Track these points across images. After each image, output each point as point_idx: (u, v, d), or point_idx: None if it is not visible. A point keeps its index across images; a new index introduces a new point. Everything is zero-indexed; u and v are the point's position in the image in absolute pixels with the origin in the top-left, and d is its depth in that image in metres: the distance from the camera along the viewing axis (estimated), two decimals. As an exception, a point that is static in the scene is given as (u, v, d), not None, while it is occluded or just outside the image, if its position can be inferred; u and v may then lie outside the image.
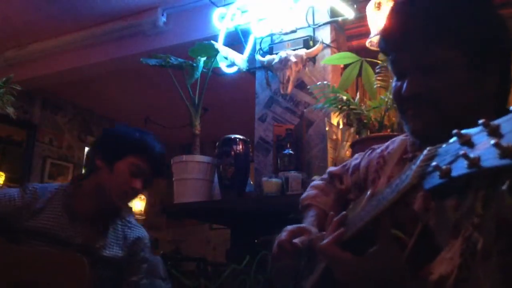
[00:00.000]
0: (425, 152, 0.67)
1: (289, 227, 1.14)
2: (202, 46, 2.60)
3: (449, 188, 0.58)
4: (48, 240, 1.63)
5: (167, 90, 3.09)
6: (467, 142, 0.56)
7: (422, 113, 0.93)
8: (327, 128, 2.38)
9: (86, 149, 6.02)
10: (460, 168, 0.55)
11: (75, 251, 1.61)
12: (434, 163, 0.61)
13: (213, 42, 2.62)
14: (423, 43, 0.91)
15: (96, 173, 1.74)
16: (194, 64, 2.63)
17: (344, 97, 2.18)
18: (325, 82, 2.37)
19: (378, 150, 1.16)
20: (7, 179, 4.88)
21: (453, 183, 0.57)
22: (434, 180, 0.60)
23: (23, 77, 3.92)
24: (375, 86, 2.20)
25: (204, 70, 2.65)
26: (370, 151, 1.22)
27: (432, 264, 0.82)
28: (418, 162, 0.67)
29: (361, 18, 2.59)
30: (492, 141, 0.51)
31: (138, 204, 5.64)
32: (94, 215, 1.73)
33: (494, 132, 0.52)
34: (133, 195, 1.76)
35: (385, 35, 0.98)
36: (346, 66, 2.31)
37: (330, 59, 2.53)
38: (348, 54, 2.31)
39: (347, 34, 2.88)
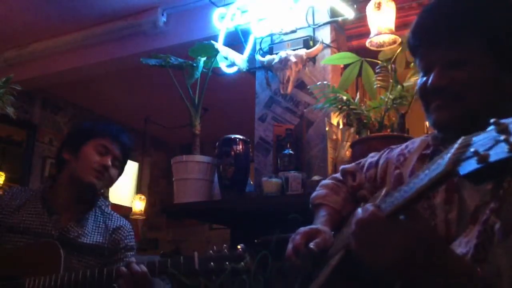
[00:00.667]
0: (459, 141, 0.68)
1: (303, 229, 1.14)
2: (202, 46, 2.60)
3: (486, 173, 0.60)
4: (28, 235, 1.68)
5: (167, 90, 3.09)
6: (505, 130, 0.57)
7: (447, 105, 0.96)
8: (327, 128, 2.38)
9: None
10: (499, 152, 0.57)
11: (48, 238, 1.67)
12: (472, 149, 0.62)
13: (213, 42, 2.63)
14: (452, 38, 0.94)
15: (67, 166, 1.80)
16: (194, 64, 2.63)
17: (344, 97, 2.18)
18: (325, 82, 2.37)
19: (397, 150, 1.18)
20: (7, 179, 4.88)
21: (490, 168, 0.59)
22: (471, 166, 0.61)
23: (23, 77, 3.92)
24: (375, 86, 2.21)
25: (204, 70, 2.65)
26: (388, 150, 1.24)
27: (450, 247, 0.83)
28: (452, 150, 0.68)
29: (361, 18, 2.59)
30: None
31: (138, 204, 5.63)
32: (71, 204, 1.78)
33: None
34: (105, 174, 1.78)
35: (416, 30, 1.01)
36: (346, 66, 2.31)
37: (330, 59, 2.53)
38: (348, 54, 2.31)
39: (347, 34, 2.88)
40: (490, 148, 0.59)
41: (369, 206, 0.81)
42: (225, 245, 1.50)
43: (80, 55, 4.07)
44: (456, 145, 0.68)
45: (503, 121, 0.59)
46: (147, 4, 3.61)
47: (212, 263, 1.47)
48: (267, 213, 2.28)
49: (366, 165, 1.26)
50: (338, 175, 1.39)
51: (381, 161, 1.21)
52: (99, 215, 1.83)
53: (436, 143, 1.03)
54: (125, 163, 1.90)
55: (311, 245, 1.06)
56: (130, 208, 5.72)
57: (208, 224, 6.34)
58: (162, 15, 3.61)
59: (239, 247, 1.47)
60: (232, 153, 2.42)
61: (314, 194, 1.35)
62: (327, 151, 2.34)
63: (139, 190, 6.34)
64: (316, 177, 2.22)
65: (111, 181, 1.85)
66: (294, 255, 1.10)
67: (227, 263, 1.46)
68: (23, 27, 3.97)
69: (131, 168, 6.81)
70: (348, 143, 2.27)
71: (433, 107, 0.98)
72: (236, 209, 2.45)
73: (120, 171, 1.88)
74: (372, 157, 1.27)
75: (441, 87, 0.95)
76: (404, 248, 0.75)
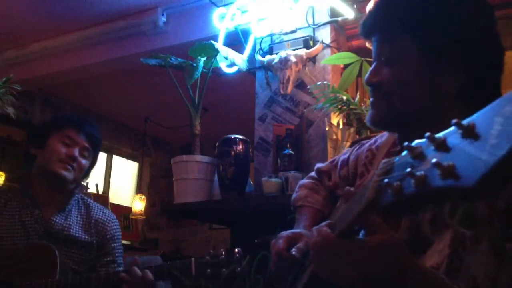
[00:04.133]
0: (381, 165, 0.64)
1: (284, 233, 1.12)
2: (202, 46, 2.60)
3: (402, 206, 0.56)
4: (15, 236, 1.68)
5: (167, 90, 3.09)
6: (418, 155, 0.53)
7: (377, 104, 0.96)
8: (327, 128, 2.38)
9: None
10: (409, 186, 0.53)
11: (42, 241, 1.67)
12: (386, 180, 0.58)
13: (213, 42, 2.62)
14: (384, 36, 0.94)
15: (35, 161, 1.82)
16: (194, 64, 2.62)
17: (344, 97, 2.18)
18: (325, 82, 2.37)
19: (366, 145, 1.17)
20: (7, 179, 4.88)
21: (405, 201, 0.55)
22: (387, 197, 0.57)
23: (23, 77, 3.92)
24: (375, 86, 2.20)
25: (204, 70, 2.65)
26: (358, 145, 1.22)
27: (423, 257, 0.82)
28: (374, 176, 0.65)
29: (361, 18, 2.59)
30: (434, 160, 0.49)
31: (138, 204, 5.63)
32: (49, 197, 1.79)
33: (440, 146, 0.50)
34: (73, 164, 1.78)
35: (360, 26, 1.02)
36: (346, 66, 2.31)
37: (330, 59, 2.53)
38: (348, 54, 2.31)
39: (347, 34, 2.88)
40: (403, 178, 0.54)
41: (323, 227, 0.79)
42: (222, 249, 1.49)
43: (80, 55, 4.07)
44: (378, 170, 0.64)
45: (416, 144, 0.54)
46: (147, 4, 3.61)
47: (209, 270, 1.44)
48: (267, 213, 2.27)
49: (339, 164, 1.25)
50: (315, 173, 1.37)
51: (351, 158, 1.20)
52: (82, 205, 1.85)
53: (401, 142, 1.00)
54: (96, 153, 1.90)
55: (293, 251, 1.04)
56: (130, 208, 5.72)
57: (208, 224, 6.34)
58: (162, 15, 3.61)
59: (236, 250, 1.46)
60: (232, 153, 2.42)
61: (294, 196, 1.33)
62: (327, 151, 2.34)
63: (139, 190, 6.34)
64: (316, 177, 2.22)
65: (81, 171, 1.83)
66: (277, 260, 1.08)
67: (223, 269, 1.44)
68: (23, 27, 3.97)
69: (131, 168, 6.82)
70: (348, 143, 2.27)
71: (369, 103, 0.99)
72: (236, 209, 2.45)
73: (92, 161, 1.89)
74: (344, 154, 1.26)
75: (371, 84, 0.96)
76: (357, 266, 0.71)
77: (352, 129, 2.26)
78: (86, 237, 1.78)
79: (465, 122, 0.48)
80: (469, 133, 0.47)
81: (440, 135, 0.51)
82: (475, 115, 0.48)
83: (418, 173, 0.51)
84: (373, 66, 0.97)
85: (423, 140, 0.53)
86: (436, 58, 0.89)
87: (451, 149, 0.49)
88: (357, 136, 2.21)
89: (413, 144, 0.54)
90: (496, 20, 0.92)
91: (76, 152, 1.79)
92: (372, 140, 1.16)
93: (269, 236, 1.59)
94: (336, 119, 2.46)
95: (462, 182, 0.45)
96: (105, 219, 1.86)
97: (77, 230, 1.78)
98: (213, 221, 4.79)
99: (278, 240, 1.11)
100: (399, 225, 0.88)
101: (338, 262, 0.74)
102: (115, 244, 1.83)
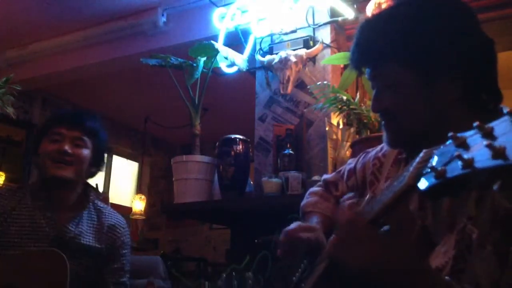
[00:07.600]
0: (421, 154, 0.68)
1: (299, 222, 1.15)
2: (202, 46, 2.60)
3: (444, 189, 0.60)
4: (24, 237, 1.62)
5: (167, 90, 3.09)
6: (462, 144, 0.56)
7: (388, 127, 0.99)
8: (327, 128, 2.38)
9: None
10: (455, 169, 0.56)
11: (52, 247, 1.60)
12: (430, 165, 0.62)
13: (213, 42, 2.62)
14: (376, 65, 0.97)
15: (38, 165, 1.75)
16: (194, 64, 2.63)
17: (344, 97, 2.18)
18: (325, 82, 2.37)
19: (373, 153, 1.19)
20: (7, 179, 4.89)
21: (448, 184, 0.58)
22: (430, 180, 0.61)
23: (23, 77, 3.93)
24: (375, 86, 2.20)
25: (204, 70, 2.65)
26: (363, 154, 1.24)
27: (428, 258, 0.83)
28: (414, 164, 0.69)
29: (361, 18, 2.59)
30: (485, 142, 0.52)
31: (138, 204, 5.63)
32: (60, 199, 1.72)
33: (488, 134, 0.53)
34: (67, 159, 1.66)
35: (350, 59, 1.05)
36: (346, 66, 2.31)
37: (330, 59, 2.53)
38: (348, 54, 2.30)
39: (347, 34, 2.88)
40: (447, 163, 0.58)
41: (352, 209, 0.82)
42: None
43: (80, 55, 4.07)
44: (417, 159, 0.69)
45: (460, 134, 0.58)
46: (147, 4, 3.61)
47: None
48: (267, 213, 2.28)
49: (346, 174, 1.27)
50: (322, 184, 1.39)
51: (358, 167, 1.22)
52: (93, 211, 1.78)
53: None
54: (96, 142, 1.76)
55: (303, 235, 1.08)
56: (130, 208, 5.72)
57: (208, 224, 6.34)
58: (162, 15, 3.61)
59: None
60: (232, 153, 2.43)
61: (304, 202, 1.34)
62: (327, 151, 2.34)
63: (139, 190, 6.34)
64: (316, 177, 2.22)
65: (81, 162, 1.70)
66: (285, 241, 1.11)
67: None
68: (23, 27, 3.97)
69: (131, 168, 6.82)
70: (348, 143, 2.27)
71: (382, 125, 1.02)
72: (236, 209, 2.45)
73: (93, 150, 1.74)
74: (349, 164, 1.28)
75: (376, 111, 1.00)
76: (376, 257, 0.74)
77: (352, 129, 2.26)
78: (97, 245, 1.72)
79: None
80: None
81: (489, 124, 0.54)
82: None
83: (466, 156, 0.54)
84: (374, 94, 1.01)
85: (469, 131, 0.57)
86: (429, 74, 0.91)
87: (497, 137, 0.52)
88: (357, 136, 2.21)
89: (458, 134, 0.58)
90: (476, 15, 0.95)
91: (66, 145, 1.66)
92: (378, 148, 1.18)
93: (269, 236, 1.59)
94: (336, 119, 2.46)
95: (511, 162, 0.49)
96: (117, 225, 1.80)
97: (88, 238, 1.71)
98: (213, 221, 4.79)
99: (291, 226, 1.14)
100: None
101: (360, 247, 0.76)
102: (124, 251, 1.79)
